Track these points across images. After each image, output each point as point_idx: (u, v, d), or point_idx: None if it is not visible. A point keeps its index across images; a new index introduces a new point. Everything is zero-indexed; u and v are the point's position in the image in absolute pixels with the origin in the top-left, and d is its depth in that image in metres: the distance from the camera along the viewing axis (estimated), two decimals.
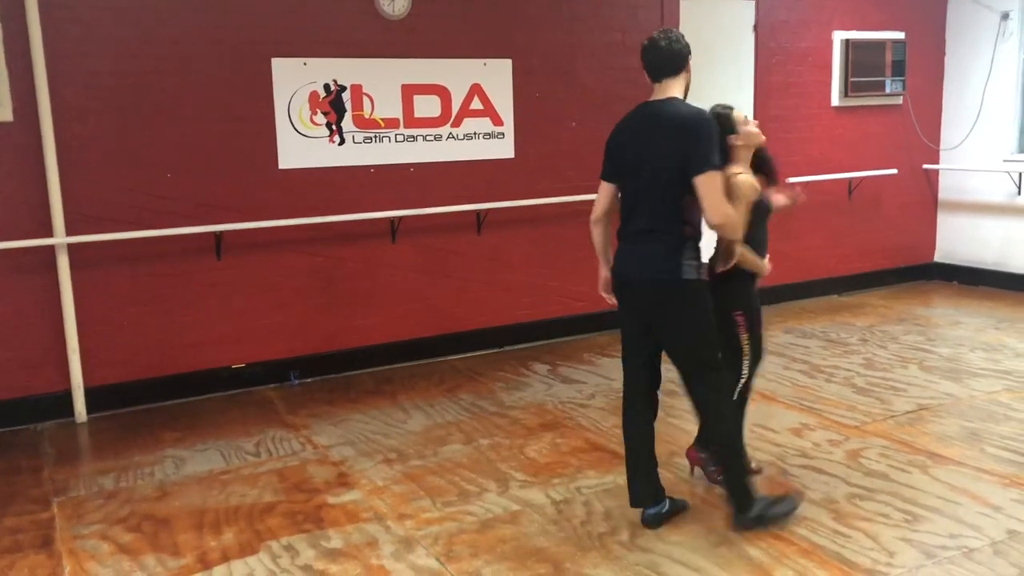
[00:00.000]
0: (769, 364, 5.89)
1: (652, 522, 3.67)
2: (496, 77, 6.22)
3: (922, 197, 8.40)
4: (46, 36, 4.93)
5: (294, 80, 5.59)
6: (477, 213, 6.27)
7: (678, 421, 4.94)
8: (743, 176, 3.71)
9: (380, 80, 5.83)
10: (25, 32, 4.88)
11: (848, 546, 3.47)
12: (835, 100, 7.68)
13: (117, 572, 3.47)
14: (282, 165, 5.63)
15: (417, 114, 5.98)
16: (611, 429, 4.84)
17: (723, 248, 3.72)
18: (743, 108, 7.23)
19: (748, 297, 3.86)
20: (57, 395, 5.21)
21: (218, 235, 5.47)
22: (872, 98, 7.80)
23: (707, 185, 3.38)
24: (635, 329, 3.69)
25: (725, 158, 3.61)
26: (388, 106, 5.88)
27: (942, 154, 8.32)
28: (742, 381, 3.89)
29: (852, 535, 3.56)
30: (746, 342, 3.84)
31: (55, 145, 5.01)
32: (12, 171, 5.00)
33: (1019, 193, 7.79)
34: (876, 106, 7.89)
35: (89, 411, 5.26)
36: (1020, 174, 7.70)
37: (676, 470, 4.25)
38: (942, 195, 8.45)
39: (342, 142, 5.78)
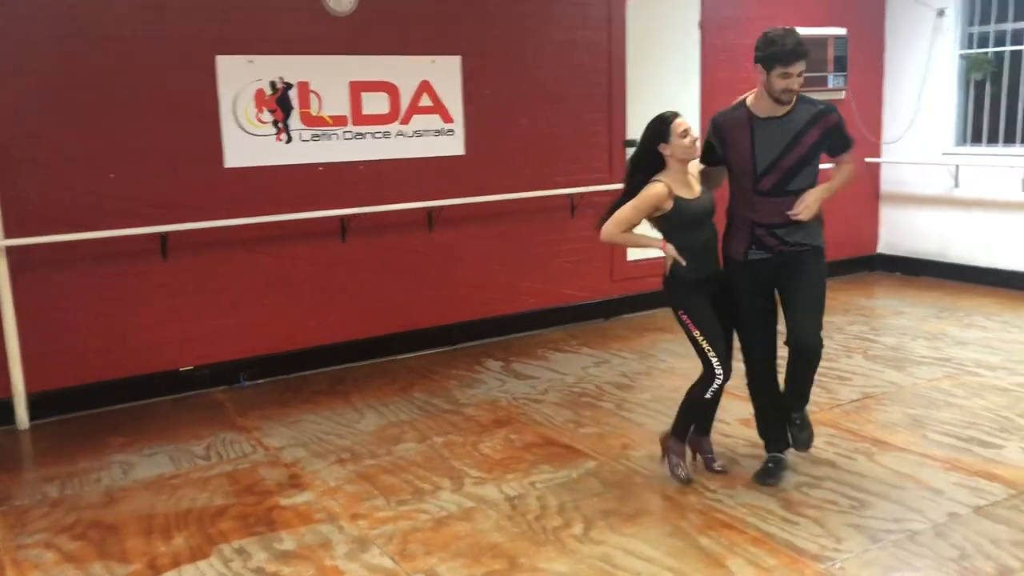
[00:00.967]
0: None
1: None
2: (445, 74, 6.21)
3: (864, 190, 8.58)
4: None
5: (239, 78, 5.52)
6: (428, 210, 6.25)
7: (631, 415, 4.99)
8: (650, 185, 3.79)
9: (327, 77, 5.78)
10: None
11: (797, 533, 3.54)
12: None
13: None
14: (228, 164, 5.56)
15: (365, 111, 5.95)
16: (564, 423, 4.87)
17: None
18: (690, 106, 7.35)
19: (685, 295, 3.87)
20: None
21: (164, 235, 5.38)
22: (816, 93, 7.85)
23: None
24: None
25: (658, 162, 3.80)
26: (336, 104, 5.83)
27: (883, 148, 8.51)
28: (717, 382, 3.86)
29: (801, 522, 3.63)
30: (702, 339, 3.86)
31: None
32: None
33: (957, 185, 7.99)
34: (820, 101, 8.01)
35: (32, 418, 5.14)
36: (957, 167, 7.91)
37: (629, 462, 4.29)
38: (884, 188, 8.65)
39: (289, 140, 5.72)
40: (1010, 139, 7.66)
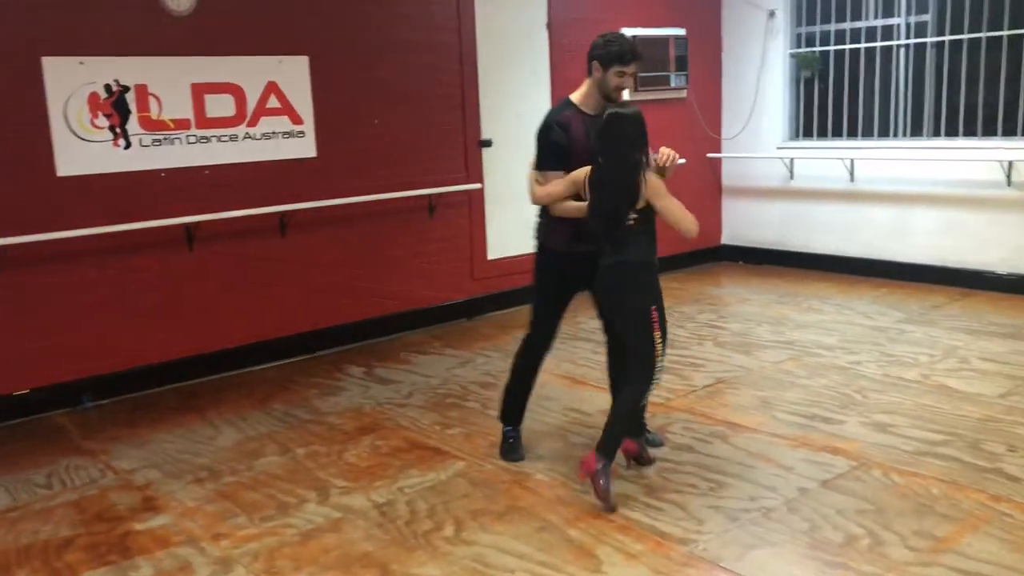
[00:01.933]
0: (579, 350, 6.11)
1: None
2: (293, 75, 6.05)
3: (708, 184, 8.97)
4: None
5: (70, 81, 5.18)
6: (281, 215, 6.08)
7: (496, 413, 5.01)
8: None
9: (167, 80, 5.52)
10: None
11: (661, 518, 3.65)
12: (625, 94, 7.98)
13: None
14: (61, 172, 5.21)
15: (209, 114, 5.72)
16: (431, 426, 4.84)
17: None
18: (542, 105, 7.46)
19: (659, 290, 4.00)
20: None
21: None
22: (659, 92, 8.22)
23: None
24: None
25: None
26: (177, 106, 5.58)
27: (724, 143, 8.91)
28: (656, 381, 3.89)
29: (664, 507, 3.75)
30: (659, 340, 3.84)
31: None
32: None
33: (792, 177, 8.47)
34: (663, 100, 8.33)
35: None
36: (792, 160, 8.38)
37: (497, 461, 4.31)
38: (725, 182, 9.06)
39: (128, 145, 5.43)
40: (837, 133, 8.18)
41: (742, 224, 9.00)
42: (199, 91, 5.66)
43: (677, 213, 3.83)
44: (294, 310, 6.25)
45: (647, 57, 7.95)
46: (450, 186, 6.88)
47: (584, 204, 3.85)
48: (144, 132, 5.47)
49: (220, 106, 5.75)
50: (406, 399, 5.34)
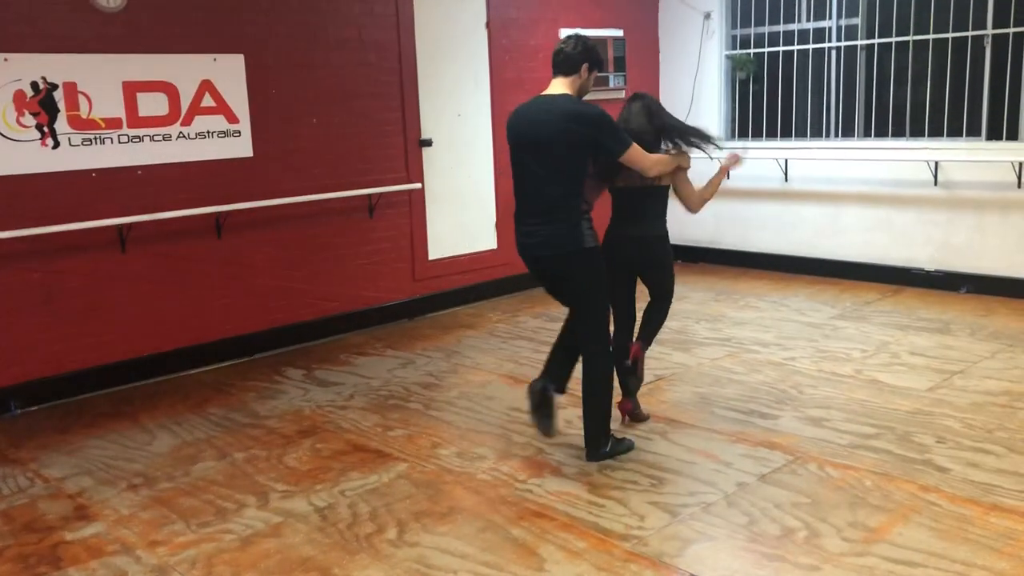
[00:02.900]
0: (521, 349, 6.12)
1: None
2: (228, 73, 5.94)
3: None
4: None
5: None
6: (216, 216, 5.97)
7: (439, 414, 5.00)
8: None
9: (97, 77, 5.38)
10: None
11: (603, 515, 3.68)
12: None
13: None
14: None
15: (142, 113, 5.58)
16: (372, 428, 4.80)
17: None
18: (482, 105, 7.47)
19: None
20: None
21: None
22: (598, 92, 8.27)
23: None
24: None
25: None
26: (108, 105, 5.44)
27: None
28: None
29: (606, 504, 3.78)
30: None
31: None
32: None
33: (727, 177, 8.58)
34: (603, 100, 8.35)
35: None
36: None
37: (439, 461, 4.30)
38: (662, 181, 9.14)
39: (56, 145, 5.27)
40: (771, 133, 8.34)
41: (678, 223, 9.07)
42: (131, 89, 5.53)
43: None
44: (231, 312, 6.15)
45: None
46: (390, 186, 6.84)
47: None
48: (73, 131, 5.32)
49: (153, 105, 5.63)
50: (347, 401, 5.29)
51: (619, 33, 8.36)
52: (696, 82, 8.64)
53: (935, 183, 7.26)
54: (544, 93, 4.17)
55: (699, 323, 6.65)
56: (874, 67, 7.63)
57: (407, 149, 6.99)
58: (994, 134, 7.02)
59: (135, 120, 5.56)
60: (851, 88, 7.80)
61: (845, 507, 3.66)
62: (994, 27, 6.89)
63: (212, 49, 5.87)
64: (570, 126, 3.97)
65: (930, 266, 7.42)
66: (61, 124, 5.28)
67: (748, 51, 8.39)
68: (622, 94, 8.52)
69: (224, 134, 5.97)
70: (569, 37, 4.20)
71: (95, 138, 5.41)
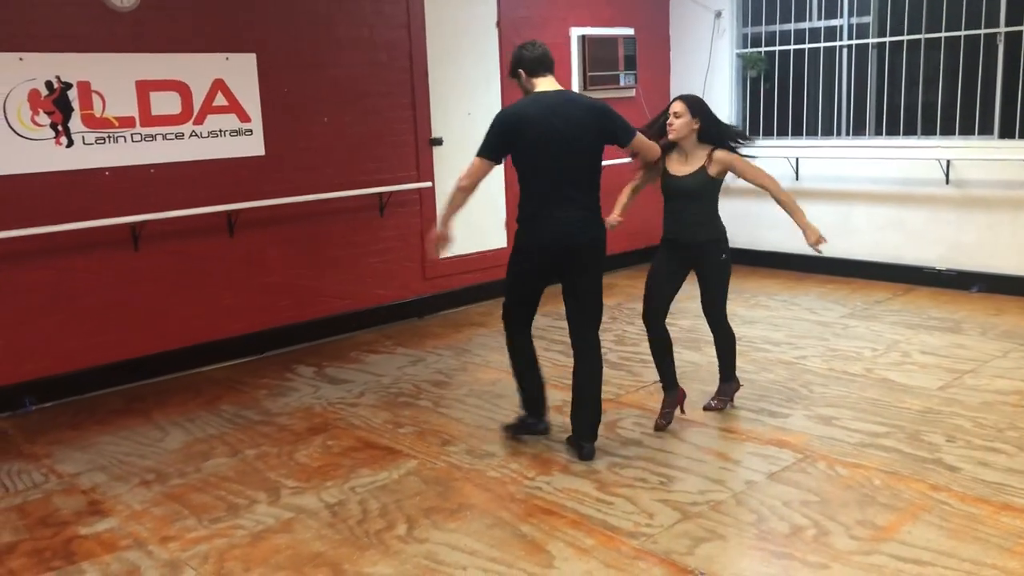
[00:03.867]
0: None
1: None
2: (240, 72, 5.98)
3: (657, 183, 9.03)
4: None
5: (9, 77, 5.06)
6: (228, 214, 6.00)
7: (448, 411, 5.02)
8: None
9: (111, 76, 5.42)
10: None
11: (612, 513, 3.69)
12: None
13: None
14: (1, 171, 5.09)
15: (155, 112, 5.62)
16: (383, 425, 4.83)
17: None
18: (492, 104, 7.48)
19: None
20: None
21: None
22: (609, 91, 8.29)
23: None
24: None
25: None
26: (122, 104, 5.48)
27: None
28: None
29: (615, 502, 3.79)
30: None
31: None
32: None
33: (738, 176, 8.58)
34: (612, 98, 8.39)
35: None
36: None
37: (449, 458, 4.32)
38: None
39: (71, 144, 5.32)
40: (782, 132, 8.33)
41: None
42: (144, 88, 5.57)
43: None
44: (242, 310, 6.19)
45: (595, 56, 8.06)
46: (401, 184, 6.86)
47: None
48: (87, 130, 5.37)
49: (166, 104, 5.67)
50: (358, 398, 5.32)
51: (630, 32, 8.36)
52: (707, 81, 8.63)
53: (947, 182, 7.24)
54: (549, 90, 4.24)
55: None
56: (885, 65, 7.61)
57: (418, 148, 7.01)
58: (1007, 132, 6.99)
59: (148, 119, 5.60)
60: (862, 86, 7.78)
61: (854, 505, 3.66)
62: (1007, 25, 6.86)
63: (224, 48, 5.90)
64: (598, 118, 4.21)
65: (941, 265, 7.40)
66: (75, 123, 5.32)
67: (759, 49, 8.38)
68: (632, 93, 8.53)
69: (236, 133, 6.01)
70: (535, 41, 4.40)
71: (109, 137, 5.46)
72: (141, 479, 4.26)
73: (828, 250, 8.05)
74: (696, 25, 8.66)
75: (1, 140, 5.07)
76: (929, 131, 7.42)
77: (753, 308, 7.01)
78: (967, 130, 7.20)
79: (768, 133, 8.44)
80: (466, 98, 7.33)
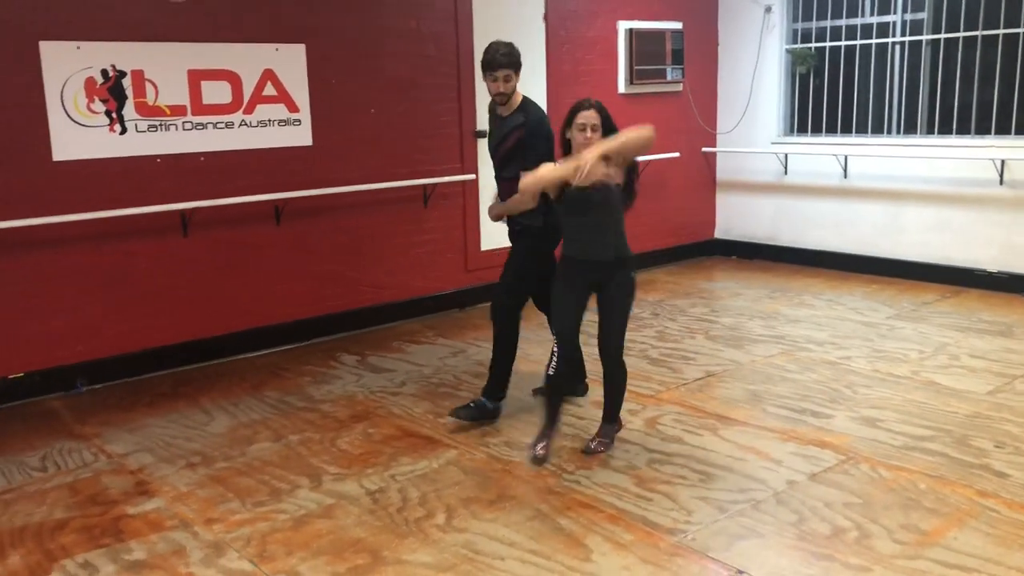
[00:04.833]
0: None
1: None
2: (289, 62, 6.05)
3: (702, 178, 8.99)
4: None
5: (67, 65, 5.18)
6: (276, 203, 6.08)
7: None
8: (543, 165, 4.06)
9: (164, 65, 5.52)
10: None
11: (651, 509, 3.69)
12: (621, 87, 8.06)
13: None
14: (57, 157, 5.21)
15: (206, 101, 5.71)
16: (423, 415, 4.87)
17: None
18: (537, 98, 7.46)
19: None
20: None
21: None
22: (655, 85, 8.25)
23: None
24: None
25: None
26: (174, 92, 5.57)
27: (718, 137, 8.94)
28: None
29: (654, 498, 3.78)
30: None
31: None
32: None
33: (786, 173, 8.50)
34: (659, 93, 8.35)
35: None
36: (786, 155, 8.41)
37: (488, 449, 4.34)
38: (720, 176, 9.09)
39: (124, 131, 5.42)
40: (831, 129, 8.21)
41: (735, 218, 9.04)
42: (196, 77, 5.66)
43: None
44: (287, 298, 6.27)
45: (643, 50, 8.01)
46: (445, 176, 6.89)
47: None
48: (140, 118, 5.47)
49: (216, 93, 5.75)
50: (399, 388, 5.36)
51: (678, 26, 8.30)
52: (755, 77, 8.54)
53: (1000, 182, 7.08)
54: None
55: (753, 320, 6.59)
56: (939, 63, 7.46)
57: (462, 140, 7.04)
58: None
59: (199, 108, 5.69)
60: (915, 84, 7.64)
61: (898, 509, 3.62)
62: None
63: (275, 39, 5.97)
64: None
65: (993, 267, 7.24)
66: (128, 111, 5.43)
67: (809, 45, 8.27)
68: (679, 87, 8.47)
69: (284, 123, 6.08)
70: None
71: (161, 125, 5.56)
72: (187, 461, 4.35)
73: (875, 249, 8.03)
74: (745, 20, 8.57)
75: (59, 126, 5.19)
76: (984, 130, 7.27)
77: (798, 307, 6.93)
78: (1023, 129, 7.04)
79: (816, 130, 8.33)
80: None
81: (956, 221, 7.42)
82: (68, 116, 5.21)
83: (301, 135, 6.16)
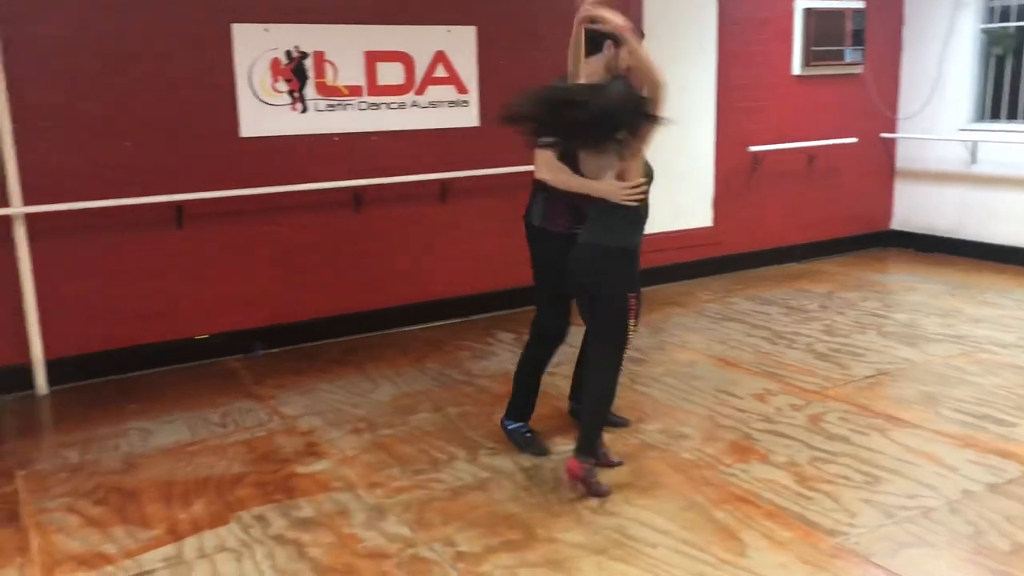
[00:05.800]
0: (731, 331, 5.99)
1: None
2: (460, 44, 6.17)
3: (879, 166, 8.53)
4: None
5: (255, 47, 5.49)
6: (442, 182, 6.24)
7: (644, 389, 5.00)
8: None
9: (342, 47, 5.75)
10: None
11: (811, 508, 3.56)
12: (796, 69, 7.73)
13: (86, 544, 3.44)
14: (244, 134, 5.55)
15: (380, 82, 5.92)
16: None
17: None
18: (707, 77, 7.30)
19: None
20: (17, 368, 5.12)
21: (179, 205, 5.39)
22: (832, 67, 7.87)
23: None
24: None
25: None
26: (351, 73, 5.81)
27: (900, 123, 8.44)
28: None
29: (815, 497, 3.65)
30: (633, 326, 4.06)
31: (8, 112, 4.88)
32: None
33: (974, 162, 7.93)
34: (836, 75, 7.96)
35: (50, 383, 5.18)
36: (975, 143, 7.84)
37: (643, 436, 4.32)
38: (899, 164, 8.59)
39: (305, 110, 5.70)
40: None
41: (915, 209, 8.52)
42: (372, 59, 5.87)
43: None
44: (449, 274, 6.43)
45: (820, 30, 7.65)
46: None
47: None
48: (320, 97, 5.73)
49: (391, 74, 5.95)
50: (554, 368, 5.36)
51: (860, 5, 7.87)
52: (943, 58, 7.99)
53: None
54: None
55: (929, 317, 6.22)
56: None
57: None
58: None
59: (374, 88, 5.90)
60: None
61: None
62: None
63: (447, 21, 6.10)
64: None
65: None
66: (309, 90, 5.70)
67: (1007, 24, 7.64)
68: (859, 69, 8.06)
69: (453, 104, 6.21)
70: None
71: (339, 104, 5.80)
72: (353, 426, 4.55)
73: None
74: None
75: (247, 105, 5.51)
76: None
77: (980, 306, 6.48)
78: None
79: (1012, 116, 7.71)
80: (680, 74, 7.17)
81: None
82: (255, 95, 5.53)
83: (469, 116, 6.28)
